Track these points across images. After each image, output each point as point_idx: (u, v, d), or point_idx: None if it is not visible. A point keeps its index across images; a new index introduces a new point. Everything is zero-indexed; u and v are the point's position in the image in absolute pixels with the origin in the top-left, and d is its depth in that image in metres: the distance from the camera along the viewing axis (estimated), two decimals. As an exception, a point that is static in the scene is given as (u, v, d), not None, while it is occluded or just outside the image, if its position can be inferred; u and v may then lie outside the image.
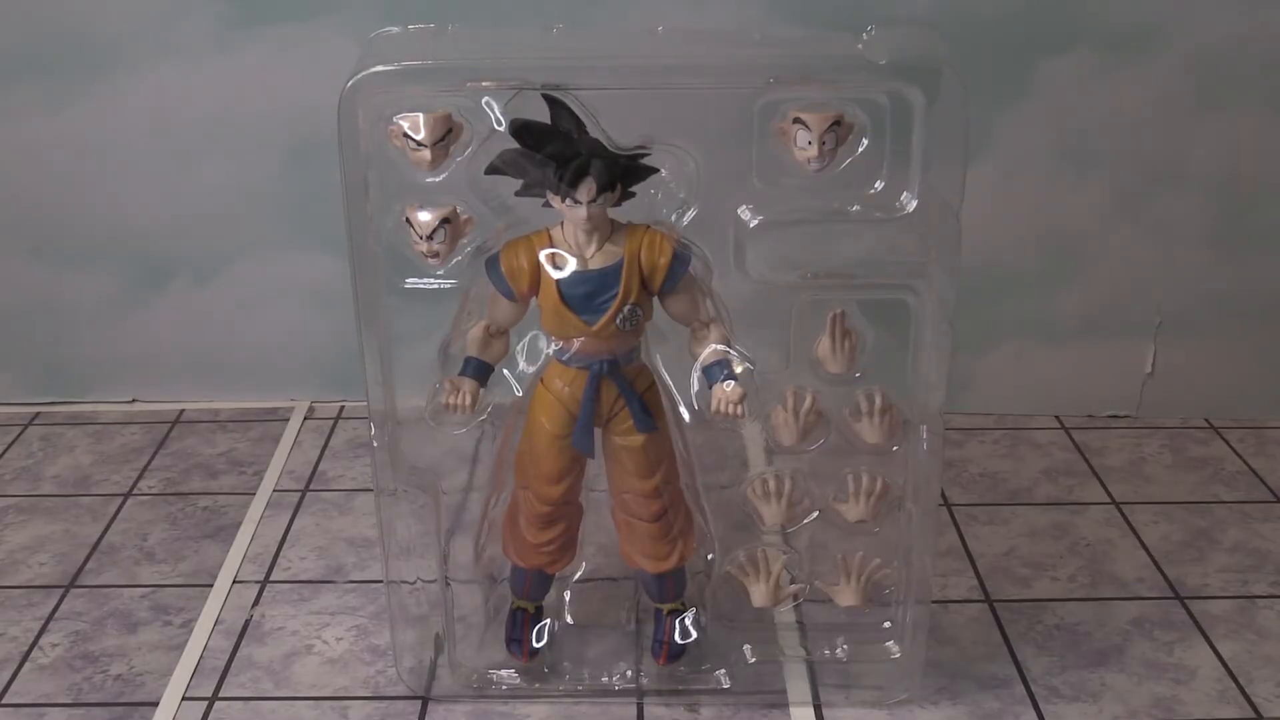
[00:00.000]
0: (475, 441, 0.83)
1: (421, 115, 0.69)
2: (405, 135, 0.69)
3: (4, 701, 0.84)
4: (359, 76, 0.67)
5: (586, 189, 0.69)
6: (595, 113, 0.69)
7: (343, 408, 1.21)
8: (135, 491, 1.08)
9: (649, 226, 0.73)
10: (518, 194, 0.72)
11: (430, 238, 0.72)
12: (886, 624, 0.84)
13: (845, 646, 0.85)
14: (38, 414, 1.21)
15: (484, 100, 0.70)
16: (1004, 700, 0.83)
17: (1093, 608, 0.93)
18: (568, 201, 0.69)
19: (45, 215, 1.15)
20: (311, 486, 1.09)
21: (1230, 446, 1.16)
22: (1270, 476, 1.12)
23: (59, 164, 1.12)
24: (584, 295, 0.72)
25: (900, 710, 0.82)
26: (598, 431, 0.77)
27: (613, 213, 0.72)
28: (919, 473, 0.79)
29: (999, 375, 1.20)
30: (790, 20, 1.04)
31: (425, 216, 0.72)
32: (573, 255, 0.72)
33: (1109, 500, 1.07)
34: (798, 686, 0.84)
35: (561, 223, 0.72)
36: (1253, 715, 0.82)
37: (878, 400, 0.79)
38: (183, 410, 1.22)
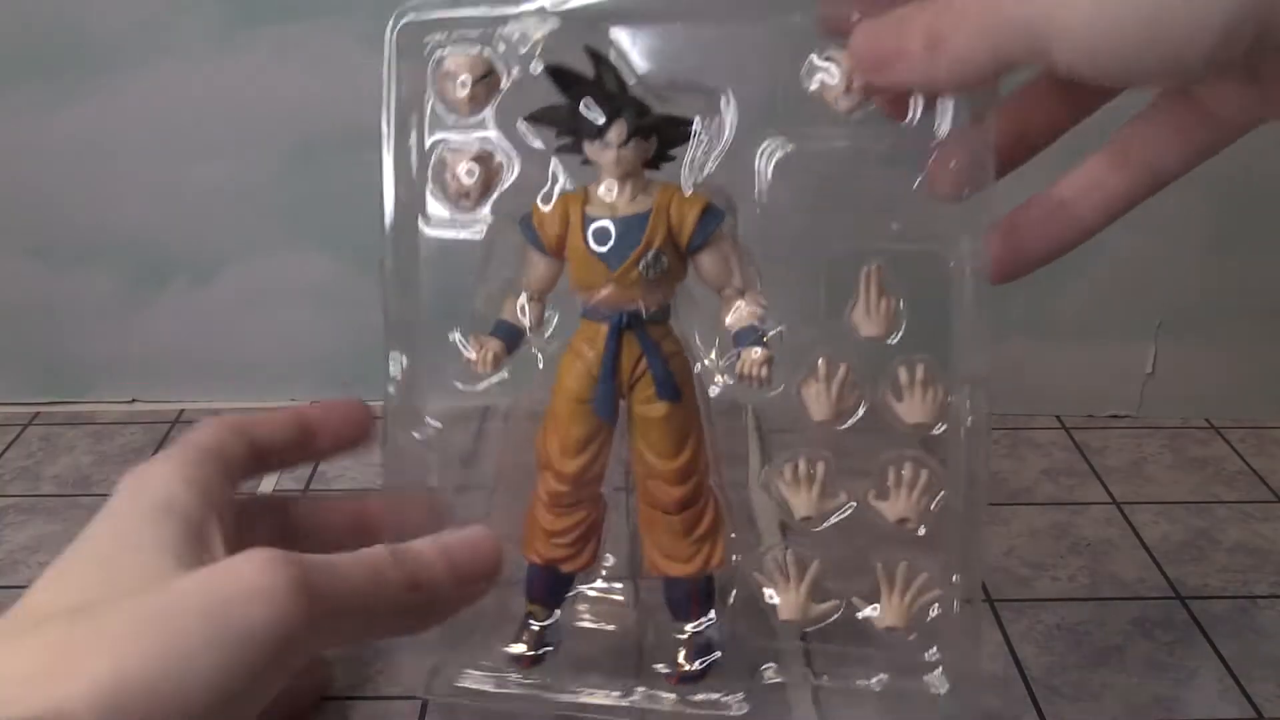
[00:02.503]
0: (474, 440, 0.82)
1: (464, 54, 0.68)
2: (447, 74, 0.68)
3: (4, 701, 0.84)
4: (405, 18, 0.66)
5: (618, 129, 0.67)
6: (627, 51, 0.67)
7: (343, 408, 1.21)
8: (135, 491, 1.07)
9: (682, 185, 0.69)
10: (556, 151, 0.70)
11: (465, 175, 0.70)
12: (932, 652, 0.71)
13: (884, 677, 0.72)
14: (37, 414, 1.21)
15: (523, 42, 0.68)
16: (1004, 700, 0.83)
17: (1093, 608, 0.93)
18: (598, 144, 0.67)
19: (45, 215, 1.15)
20: (311, 486, 1.09)
21: (1231, 446, 1.17)
22: (1271, 476, 1.12)
23: (59, 164, 1.12)
24: (609, 239, 0.69)
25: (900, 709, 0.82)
26: (621, 419, 0.74)
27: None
28: (968, 450, 0.69)
29: (999, 375, 1.20)
30: (790, 18, 1.04)
31: (460, 154, 0.69)
32: (604, 205, 0.70)
33: (1109, 500, 1.07)
34: (817, 713, 0.78)
35: (598, 180, 0.70)
36: (1253, 715, 0.82)
37: (920, 372, 0.69)
38: (183, 410, 1.22)
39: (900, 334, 0.70)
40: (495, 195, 0.71)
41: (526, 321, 0.72)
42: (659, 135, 0.69)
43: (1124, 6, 0.43)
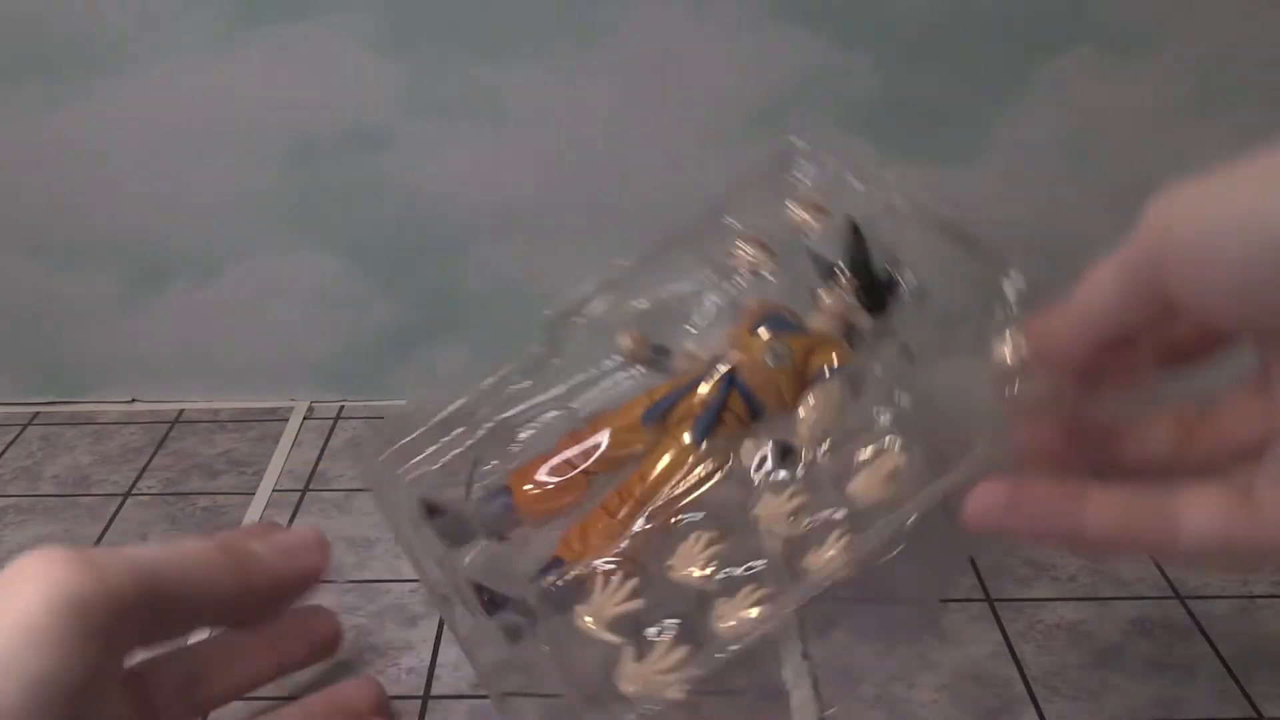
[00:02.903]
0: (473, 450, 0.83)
1: (813, 191, 0.78)
2: (792, 198, 0.78)
3: (4, 701, 0.84)
4: (790, 139, 0.76)
5: (849, 284, 0.76)
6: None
7: (342, 408, 1.21)
8: (135, 491, 1.08)
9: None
10: (808, 289, 0.80)
11: (751, 247, 0.79)
12: None
13: None
14: (37, 414, 1.21)
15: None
16: (1004, 700, 0.83)
17: (1093, 607, 0.93)
18: (828, 284, 0.77)
19: (45, 215, 1.15)
20: (311, 486, 1.09)
21: (1230, 446, 1.17)
22: (1270, 476, 1.12)
23: (59, 164, 1.12)
24: (766, 321, 0.76)
25: (899, 709, 0.82)
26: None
27: None
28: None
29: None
30: (791, 20, 1.04)
31: (752, 238, 0.80)
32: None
33: (1109, 500, 1.08)
34: None
35: None
36: (1253, 715, 0.82)
37: (843, 540, 0.64)
38: (182, 410, 1.22)
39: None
40: (750, 282, 0.79)
41: (679, 364, 0.79)
42: (873, 318, 0.76)
43: (1251, 219, 0.36)
